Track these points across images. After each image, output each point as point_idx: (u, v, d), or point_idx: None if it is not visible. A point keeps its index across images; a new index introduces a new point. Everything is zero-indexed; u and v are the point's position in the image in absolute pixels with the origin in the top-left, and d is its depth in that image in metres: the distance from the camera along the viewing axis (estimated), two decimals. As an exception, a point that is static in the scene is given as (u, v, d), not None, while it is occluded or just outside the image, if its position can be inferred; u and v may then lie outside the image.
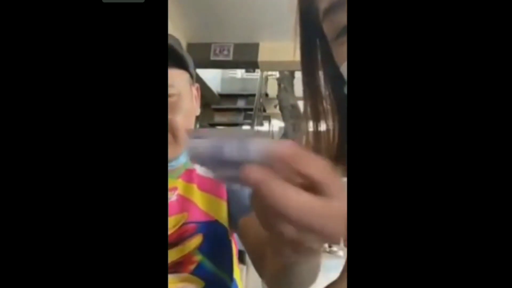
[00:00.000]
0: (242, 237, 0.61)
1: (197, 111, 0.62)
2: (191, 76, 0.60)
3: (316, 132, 0.40)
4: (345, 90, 0.35)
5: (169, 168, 0.58)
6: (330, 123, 0.40)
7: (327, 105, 0.39)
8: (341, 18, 0.31)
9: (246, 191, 0.59)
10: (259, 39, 3.21)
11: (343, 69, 0.34)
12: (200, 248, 0.58)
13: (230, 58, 3.33)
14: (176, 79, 0.55)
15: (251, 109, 4.52)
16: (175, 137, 0.55)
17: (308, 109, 0.40)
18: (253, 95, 4.60)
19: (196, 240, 0.59)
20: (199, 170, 0.63)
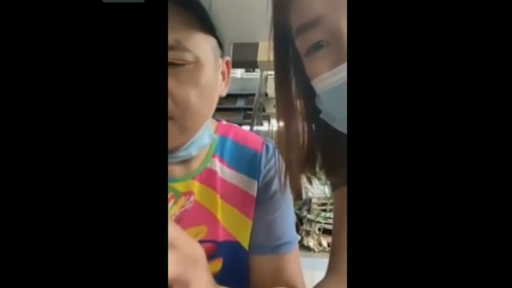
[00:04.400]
0: None
1: (223, 91, 0.48)
2: (220, 44, 0.45)
3: (288, 133, 0.42)
4: (316, 101, 0.38)
5: (180, 158, 0.45)
6: (300, 125, 0.42)
7: (298, 110, 0.42)
8: (312, 36, 0.34)
9: (276, 225, 0.49)
10: (259, 38, 3.20)
11: (315, 83, 0.37)
12: (218, 276, 0.46)
13: (230, 57, 3.32)
14: (195, 43, 0.40)
15: (250, 109, 4.51)
16: (181, 113, 0.40)
17: (281, 112, 0.42)
18: (253, 95, 4.60)
19: (214, 265, 0.47)
20: (222, 172, 0.50)
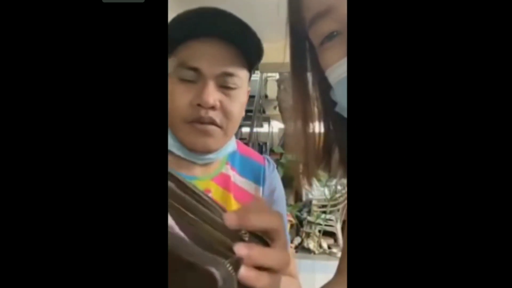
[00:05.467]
0: None
1: (243, 113, 0.61)
2: (249, 78, 0.61)
3: (304, 133, 0.42)
4: (331, 95, 0.37)
5: (207, 160, 0.57)
6: (317, 124, 0.42)
7: (314, 107, 0.41)
8: (325, 26, 0.35)
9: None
10: (259, 40, 3.20)
11: (328, 74, 0.36)
12: None
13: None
14: (242, 75, 0.55)
15: (250, 111, 4.52)
16: (228, 123, 0.54)
17: (297, 111, 0.42)
18: (253, 97, 4.60)
19: None
20: (234, 178, 0.61)
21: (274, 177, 0.64)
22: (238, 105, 0.55)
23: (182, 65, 0.52)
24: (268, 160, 0.66)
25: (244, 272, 0.26)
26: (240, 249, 0.27)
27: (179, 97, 0.52)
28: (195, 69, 0.52)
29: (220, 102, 0.52)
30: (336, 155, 0.43)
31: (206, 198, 0.30)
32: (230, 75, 0.53)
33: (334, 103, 0.38)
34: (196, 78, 0.52)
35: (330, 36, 0.35)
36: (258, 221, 0.28)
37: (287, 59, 0.43)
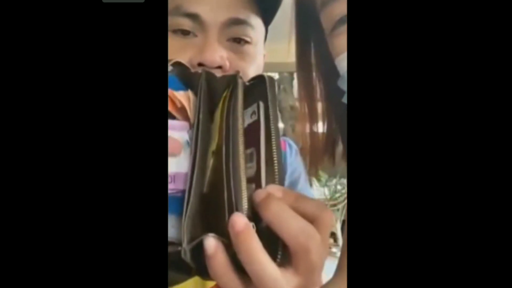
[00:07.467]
0: None
1: None
2: (265, 36, 0.47)
3: (311, 133, 0.41)
4: (339, 83, 0.36)
5: None
6: (320, 124, 0.41)
7: (321, 104, 0.41)
8: (337, 10, 0.33)
9: None
10: (259, 40, 3.20)
11: (338, 62, 0.35)
12: None
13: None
14: (257, 26, 0.42)
15: (251, 110, 4.50)
16: None
17: (305, 110, 0.41)
18: (253, 97, 4.58)
19: None
20: None
21: (298, 163, 0.54)
22: (252, 67, 0.41)
23: (177, 10, 0.38)
24: (289, 144, 0.55)
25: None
26: (210, 241, 0.23)
27: (174, 56, 0.37)
28: (194, 16, 0.38)
29: (229, 61, 0.39)
30: (340, 148, 0.41)
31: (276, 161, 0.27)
32: (241, 22, 0.40)
33: (341, 93, 0.35)
34: (196, 28, 0.39)
35: (343, 20, 0.32)
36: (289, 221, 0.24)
37: (292, 50, 0.41)
